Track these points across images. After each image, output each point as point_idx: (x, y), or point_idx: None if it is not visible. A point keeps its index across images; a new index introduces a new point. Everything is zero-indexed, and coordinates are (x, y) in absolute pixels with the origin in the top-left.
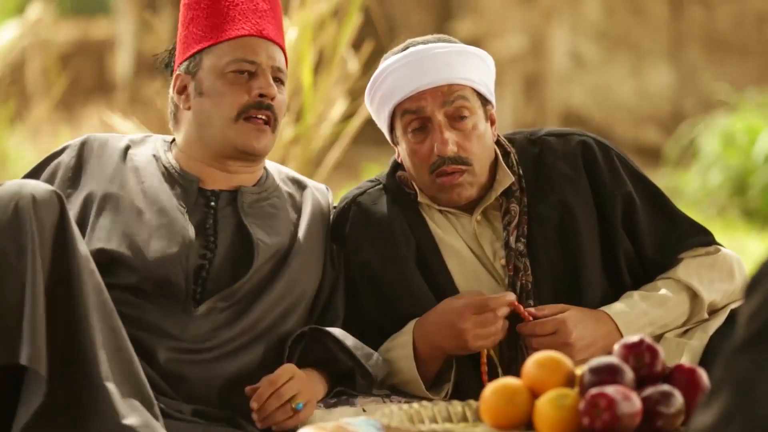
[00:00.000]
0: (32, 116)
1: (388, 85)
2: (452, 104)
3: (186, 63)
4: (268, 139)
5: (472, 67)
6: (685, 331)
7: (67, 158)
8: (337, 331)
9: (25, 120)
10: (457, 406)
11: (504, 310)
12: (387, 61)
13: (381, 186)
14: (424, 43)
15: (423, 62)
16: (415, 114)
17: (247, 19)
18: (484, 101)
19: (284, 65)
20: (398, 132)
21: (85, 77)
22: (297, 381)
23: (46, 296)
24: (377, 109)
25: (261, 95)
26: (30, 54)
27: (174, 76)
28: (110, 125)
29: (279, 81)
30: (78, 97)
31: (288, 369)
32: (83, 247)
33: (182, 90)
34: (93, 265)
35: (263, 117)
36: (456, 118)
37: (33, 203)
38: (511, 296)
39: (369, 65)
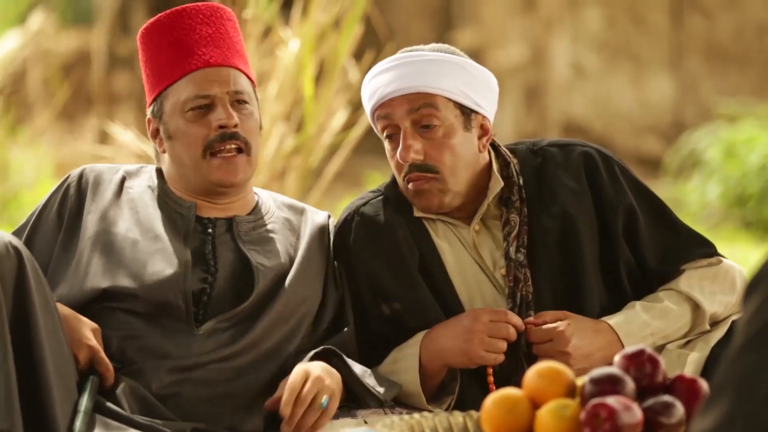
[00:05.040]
0: (33, 126)
1: (368, 90)
2: (418, 111)
3: (152, 107)
4: (242, 168)
5: (448, 76)
6: (687, 343)
7: (68, 196)
8: (347, 360)
9: (27, 129)
10: (458, 416)
11: (514, 333)
12: (373, 67)
13: (383, 196)
14: (412, 51)
15: (396, 70)
16: (386, 120)
17: (192, 52)
18: (466, 111)
19: (244, 84)
20: (380, 136)
21: (86, 87)
22: (314, 379)
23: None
24: (367, 113)
25: (221, 126)
26: (31, 64)
27: (146, 120)
28: (111, 135)
29: (242, 102)
30: (79, 107)
31: (301, 371)
32: (41, 295)
33: (155, 134)
34: (53, 306)
35: (233, 146)
36: (423, 126)
37: None
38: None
39: None
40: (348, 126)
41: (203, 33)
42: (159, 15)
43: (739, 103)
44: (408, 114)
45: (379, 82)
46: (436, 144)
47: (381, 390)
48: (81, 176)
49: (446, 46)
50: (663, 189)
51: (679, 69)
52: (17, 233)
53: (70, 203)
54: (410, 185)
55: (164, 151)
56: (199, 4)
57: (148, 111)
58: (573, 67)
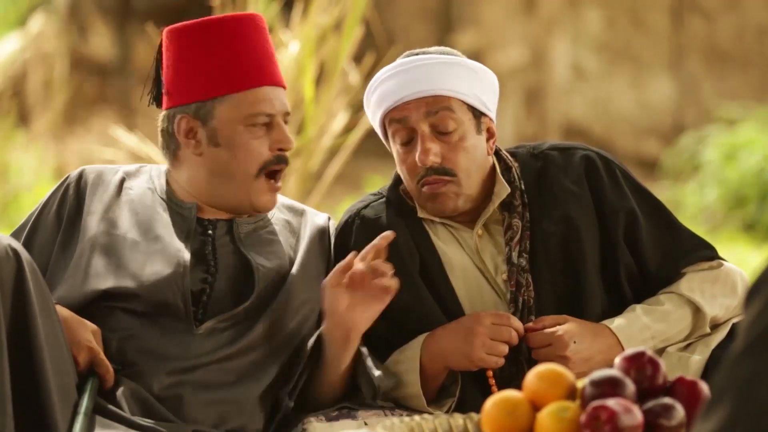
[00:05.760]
0: (34, 128)
1: (378, 94)
2: (436, 115)
3: (194, 107)
4: (277, 196)
5: (461, 79)
6: (687, 346)
7: (68, 197)
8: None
9: (27, 132)
10: (458, 418)
11: (516, 336)
12: (380, 71)
13: (384, 199)
14: (420, 53)
15: (410, 73)
16: (400, 123)
17: (260, 66)
18: (477, 114)
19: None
20: (390, 141)
21: (87, 89)
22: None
23: (8, 354)
24: (372, 117)
25: (280, 149)
26: (31, 66)
27: (177, 116)
28: (113, 137)
29: (286, 123)
30: (80, 110)
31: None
32: (40, 298)
33: (189, 134)
34: (52, 308)
35: (281, 169)
36: (441, 129)
37: None
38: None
39: (370, 78)
40: (348, 128)
41: (267, 49)
42: (210, 18)
43: (739, 106)
44: (426, 117)
45: (391, 86)
46: (452, 147)
47: (377, 373)
48: (80, 177)
49: (449, 48)
50: (662, 191)
51: (679, 71)
52: (16, 234)
53: (69, 204)
54: (425, 188)
55: (200, 154)
56: (253, 14)
57: (187, 109)
58: (573, 69)
